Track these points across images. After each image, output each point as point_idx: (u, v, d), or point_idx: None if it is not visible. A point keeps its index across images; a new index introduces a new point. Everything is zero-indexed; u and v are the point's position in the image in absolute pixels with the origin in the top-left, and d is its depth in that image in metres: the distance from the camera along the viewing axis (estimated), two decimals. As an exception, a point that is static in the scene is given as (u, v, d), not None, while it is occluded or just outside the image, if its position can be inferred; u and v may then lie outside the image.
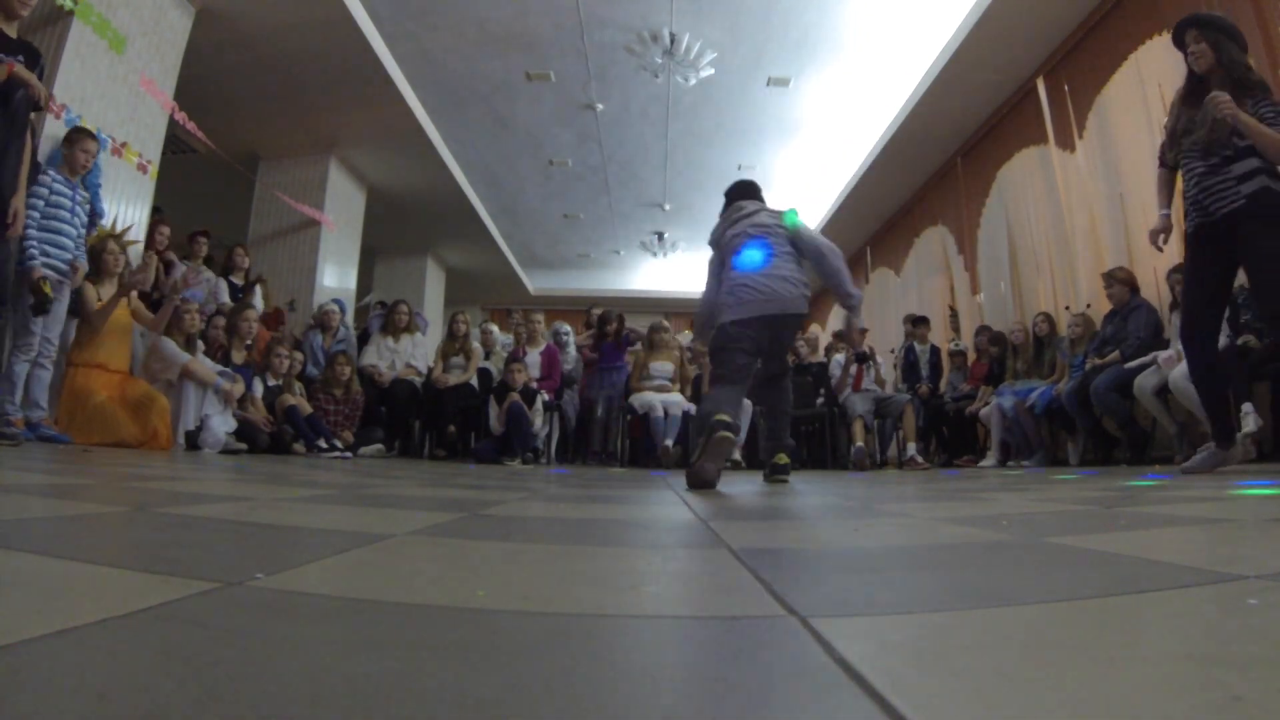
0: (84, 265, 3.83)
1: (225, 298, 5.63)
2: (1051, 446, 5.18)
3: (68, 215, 3.73)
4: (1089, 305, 5.19)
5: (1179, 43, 2.81)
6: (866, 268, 10.13)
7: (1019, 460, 5.22)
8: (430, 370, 6.23)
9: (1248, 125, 2.52)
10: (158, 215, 5.01)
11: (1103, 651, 0.48)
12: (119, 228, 4.32)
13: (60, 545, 0.86)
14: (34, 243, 3.57)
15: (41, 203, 3.61)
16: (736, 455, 6.17)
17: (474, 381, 6.23)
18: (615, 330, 6.59)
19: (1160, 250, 2.97)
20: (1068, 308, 5.46)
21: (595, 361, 6.52)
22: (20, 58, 2.96)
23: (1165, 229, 2.89)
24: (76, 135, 3.76)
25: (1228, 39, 2.68)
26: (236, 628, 0.52)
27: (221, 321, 5.09)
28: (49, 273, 3.57)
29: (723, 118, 7.27)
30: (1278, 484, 2.01)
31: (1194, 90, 2.74)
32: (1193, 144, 2.67)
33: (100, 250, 4.03)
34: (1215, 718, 0.36)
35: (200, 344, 4.66)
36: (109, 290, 4.08)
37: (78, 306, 3.89)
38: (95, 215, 4.04)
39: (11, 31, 3.03)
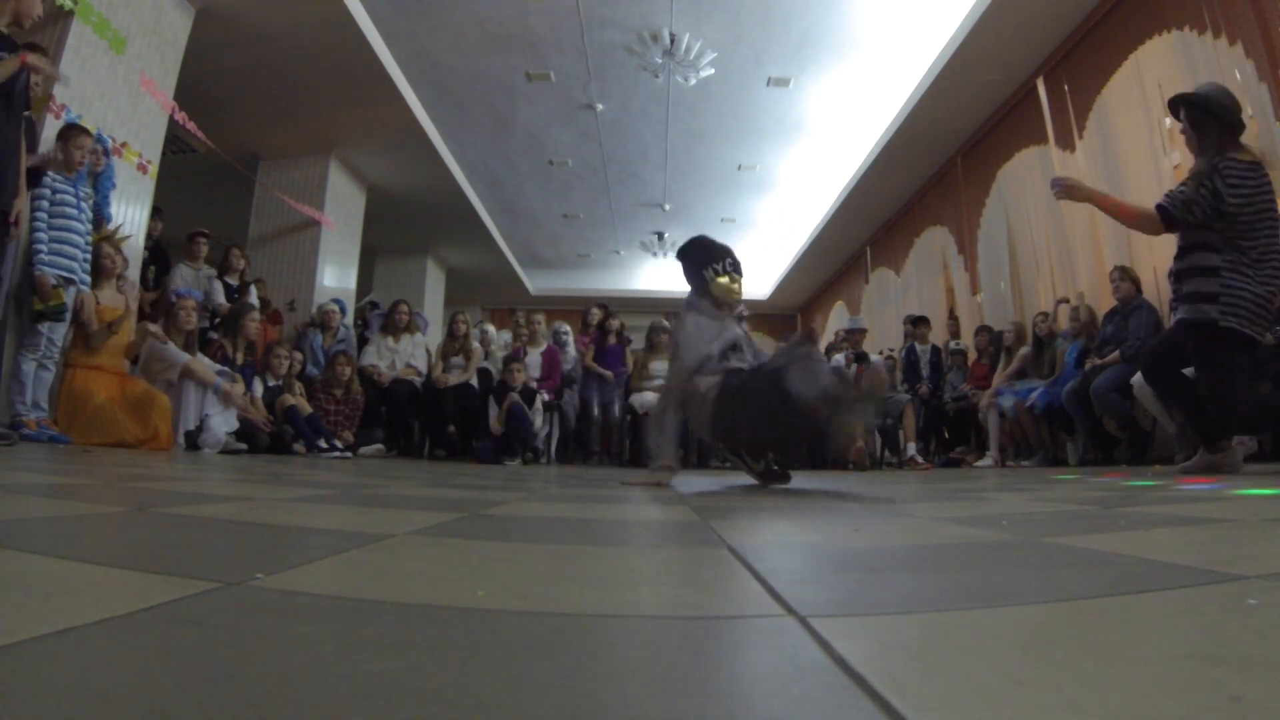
0: (89, 295, 3.84)
1: (221, 298, 5.62)
2: (1051, 446, 5.18)
3: (74, 213, 3.71)
4: (1082, 294, 5.19)
5: (1175, 115, 2.85)
6: (866, 268, 10.13)
7: (1019, 460, 5.22)
8: (430, 370, 6.23)
9: (1090, 197, 2.72)
10: (156, 215, 4.99)
11: (1103, 652, 0.48)
12: (120, 230, 4.31)
13: (60, 545, 0.86)
14: (43, 244, 3.56)
15: (46, 204, 3.60)
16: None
17: (474, 381, 6.23)
18: (617, 333, 6.60)
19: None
20: (1065, 300, 5.45)
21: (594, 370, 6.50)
22: (3, 54, 2.98)
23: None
24: (70, 132, 3.73)
25: (1213, 117, 2.66)
26: (236, 628, 0.52)
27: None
28: (56, 276, 3.57)
29: (723, 118, 7.26)
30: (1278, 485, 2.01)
31: None
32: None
33: (97, 255, 4.02)
34: (1215, 718, 0.36)
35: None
36: (107, 294, 4.08)
37: (78, 317, 3.87)
38: (101, 218, 4.04)
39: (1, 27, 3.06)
